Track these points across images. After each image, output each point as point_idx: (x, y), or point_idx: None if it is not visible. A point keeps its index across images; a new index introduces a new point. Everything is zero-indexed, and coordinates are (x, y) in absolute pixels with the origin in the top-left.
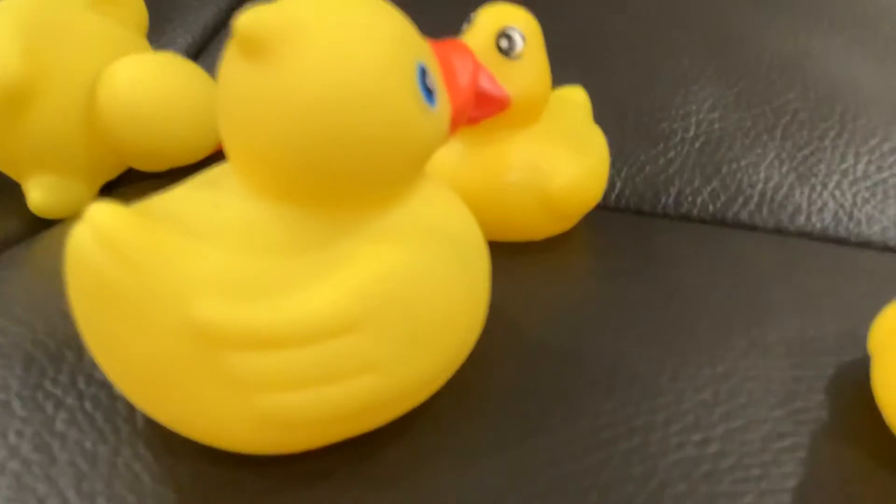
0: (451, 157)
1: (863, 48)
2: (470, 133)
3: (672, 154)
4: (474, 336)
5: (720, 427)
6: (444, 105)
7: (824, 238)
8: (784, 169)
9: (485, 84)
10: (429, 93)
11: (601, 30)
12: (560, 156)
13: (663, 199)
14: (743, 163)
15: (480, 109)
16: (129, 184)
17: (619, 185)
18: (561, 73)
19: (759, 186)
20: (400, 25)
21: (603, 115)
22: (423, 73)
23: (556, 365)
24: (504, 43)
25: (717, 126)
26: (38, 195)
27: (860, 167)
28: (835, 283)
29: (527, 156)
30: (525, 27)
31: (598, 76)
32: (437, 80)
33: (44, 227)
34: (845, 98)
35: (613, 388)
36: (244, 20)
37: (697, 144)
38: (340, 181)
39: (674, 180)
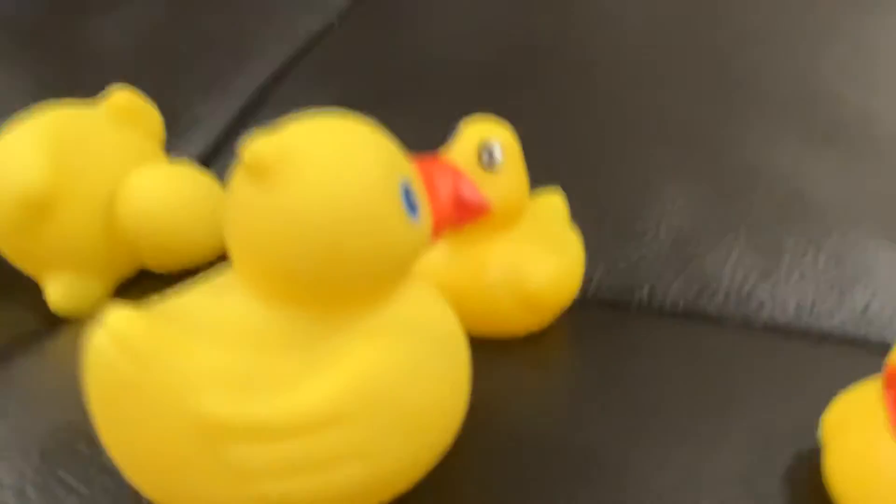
0: (437, 258)
1: (824, 152)
2: (455, 236)
3: (645, 251)
4: (455, 427)
5: None
6: (426, 217)
7: (787, 331)
8: (748, 264)
9: (466, 193)
10: (412, 207)
11: (578, 130)
12: (537, 256)
13: (637, 294)
14: (710, 259)
15: (463, 216)
16: (142, 282)
17: (595, 280)
18: (541, 174)
19: (726, 282)
20: (385, 149)
21: (582, 214)
22: (407, 190)
23: (534, 455)
24: (485, 157)
25: (686, 223)
26: (57, 293)
27: (820, 263)
28: (795, 374)
29: (507, 257)
30: (504, 141)
31: (578, 176)
32: (419, 195)
33: (61, 322)
34: (805, 198)
35: (587, 478)
36: (248, 148)
37: (668, 241)
38: (332, 287)
39: (647, 275)
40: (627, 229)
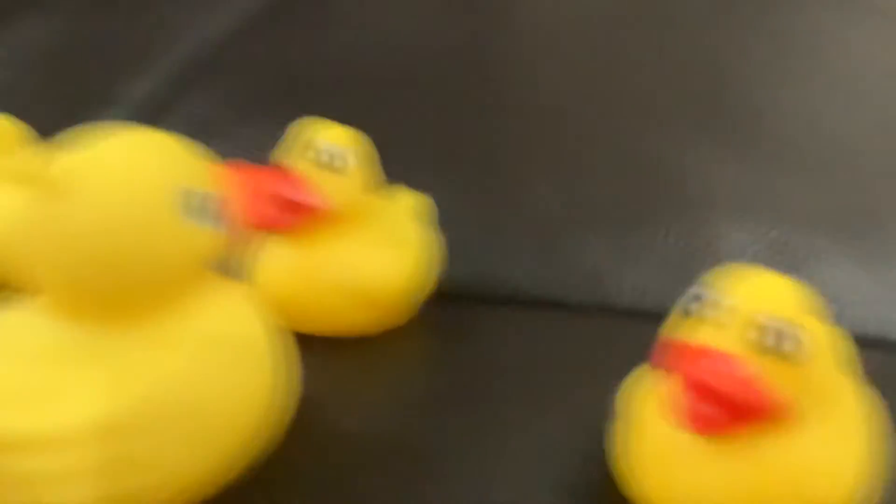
0: (277, 259)
1: (694, 140)
2: (294, 237)
3: (508, 243)
4: (261, 433)
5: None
6: (224, 221)
7: (638, 313)
8: (607, 251)
9: (295, 194)
10: (203, 214)
11: (454, 129)
12: (377, 255)
13: (498, 287)
14: (571, 249)
15: (293, 217)
16: None
17: (453, 274)
18: (410, 173)
19: (585, 269)
20: (170, 161)
21: (448, 211)
22: (196, 197)
23: (381, 452)
24: (323, 157)
25: (551, 215)
26: None
27: (674, 244)
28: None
29: (346, 257)
30: (345, 141)
31: (447, 173)
32: (216, 201)
33: None
34: (672, 186)
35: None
36: (31, 166)
37: (530, 232)
38: (112, 295)
39: (508, 268)
40: (492, 223)
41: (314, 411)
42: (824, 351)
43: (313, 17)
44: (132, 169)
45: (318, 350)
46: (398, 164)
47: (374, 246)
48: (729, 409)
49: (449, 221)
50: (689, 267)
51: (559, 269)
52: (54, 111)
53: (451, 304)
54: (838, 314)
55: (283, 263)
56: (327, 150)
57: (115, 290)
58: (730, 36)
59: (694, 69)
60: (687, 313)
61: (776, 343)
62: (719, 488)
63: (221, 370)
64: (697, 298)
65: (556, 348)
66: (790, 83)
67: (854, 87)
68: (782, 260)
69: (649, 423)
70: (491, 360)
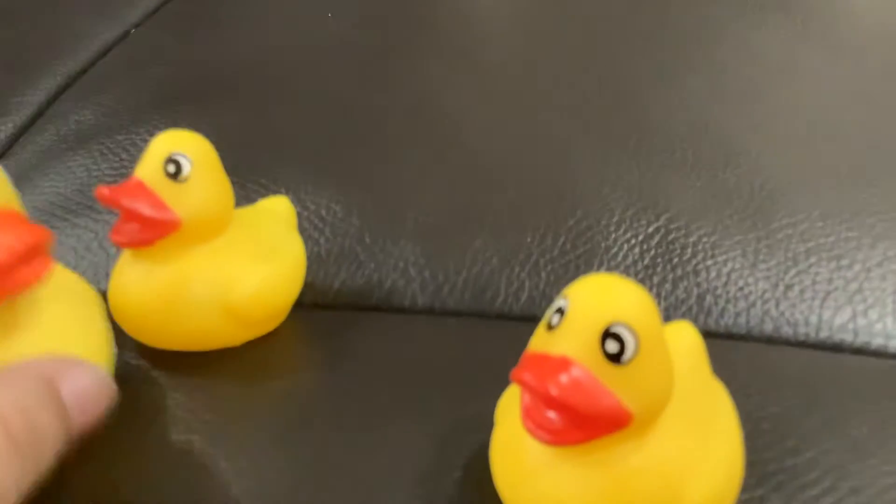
0: (137, 275)
1: (589, 144)
2: (153, 251)
3: (388, 249)
4: None
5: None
6: None
7: (522, 318)
8: (488, 256)
9: (144, 210)
10: None
11: (332, 130)
12: (241, 267)
13: (376, 294)
14: (452, 254)
15: (147, 232)
16: None
17: (336, 284)
18: (283, 180)
19: (464, 274)
20: None
21: (321, 221)
22: None
23: (249, 474)
24: (171, 168)
25: (435, 220)
26: None
27: (557, 248)
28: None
29: (207, 270)
30: (195, 150)
31: (323, 175)
32: None
33: None
34: (557, 190)
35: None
36: None
37: (413, 239)
38: None
39: (389, 274)
40: (373, 229)
41: (174, 430)
42: (681, 354)
43: (202, 21)
44: None
45: (181, 364)
46: (275, 166)
47: (243, 255)
48: (571, 418)
49: (329, 227)
50: (577, 271)
51: (444, 276)
52: None
53: (325, 313)
54: (727, 310)
55: (139, 280)
56: (174, 159)
57: None
58: (615, 30)
59: (581, 67)
60: (549, 326)
61: (618, 349)
62: (574, 499)
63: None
64: (560, 311)
65: (437, 357)
66: (677, 79)
67: (744, 83)
68: (669, 258)
69: (512, 436)
70: (367, 371)
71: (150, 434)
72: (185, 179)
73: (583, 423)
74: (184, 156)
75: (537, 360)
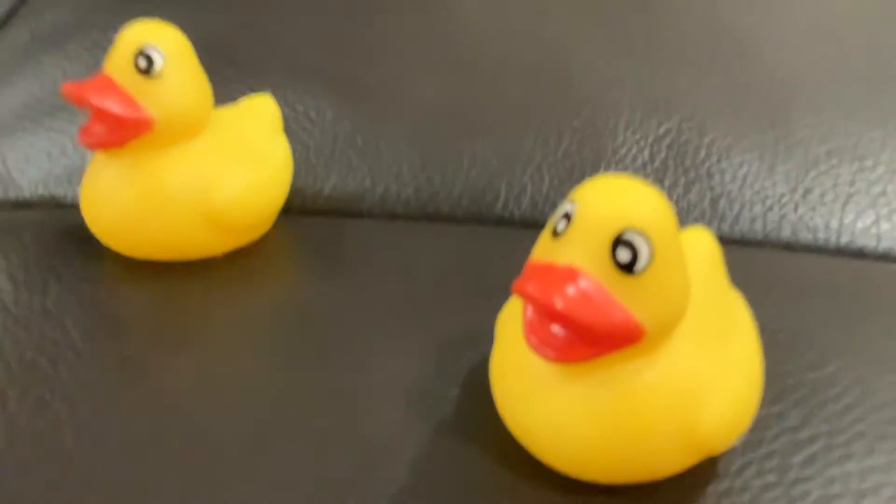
0: (111, 178)
1: (590, 34)
2: (128, 153)
3: (381, 152)
4: None
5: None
6: None
7: (524, 224)
8: (486, 160)
9: (113, 107)
10: None
11: (322, 24)
12: (222, 169)
13: (369, 199)
14: (450, 156)
15: (118, 133)
16: None
17: (326, 189)
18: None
19: (462, 177)
20: None
21: (310, 124)
22: None
23: (232, 391)
24: (142, 62)
25: (426, 123)
26: None
27: (561, 149)
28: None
29: (185, 173)
30: (168, 43)
31: (313, 74)
32: None
33: None
34: (560, 83)
35: (301, 407)
36: None
37: (408, 141)
38: None
39: (382, 178)
40: (366, 131)
41: (153, 348)
42: (696, 262)
43: None
44: None
45: (159, 275)
46: (260, 65)
47: (225, 157)
48: (577, 333)
49: (319, 129)
50: (583, 174)
51: (440, 179)
52: None
53: (314, 220)
54: (742, 215)
55: (112, 185)
56: (146, 53)
57: None
58: None
59: None
60: (555, 232)
61: (630, 258)
62: (581, 419)
63: None
64: (567, 216)
65: (433, 267)
66: None
67: None
68: (681, 160)
69: (513, 352)
70: (358, 282)
71: (129, 348)
72: (158, 75)
73: (590, 338)
74: (156, 49)
75: (541, 271)
